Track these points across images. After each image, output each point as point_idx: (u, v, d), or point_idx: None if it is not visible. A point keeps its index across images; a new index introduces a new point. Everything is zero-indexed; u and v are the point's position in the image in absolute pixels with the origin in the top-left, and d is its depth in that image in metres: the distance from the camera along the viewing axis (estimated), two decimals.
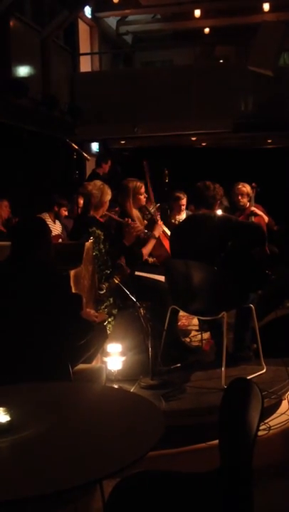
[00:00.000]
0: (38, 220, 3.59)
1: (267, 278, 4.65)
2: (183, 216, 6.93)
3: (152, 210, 5.33)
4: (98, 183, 4.83)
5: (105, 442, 2.03)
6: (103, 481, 2.31)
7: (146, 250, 4.98)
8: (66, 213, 7.35)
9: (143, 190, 5.15)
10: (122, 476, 2.14)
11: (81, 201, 6.30)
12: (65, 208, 7.26)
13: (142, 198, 5.15)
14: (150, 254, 5.21)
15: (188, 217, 5.05)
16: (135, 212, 5.10)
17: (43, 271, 3.13)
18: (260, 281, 4.64)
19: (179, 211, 6.95)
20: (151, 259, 5.33)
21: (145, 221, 5.29)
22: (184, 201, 6.98)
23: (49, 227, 3.42)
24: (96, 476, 1.82)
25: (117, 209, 6.07)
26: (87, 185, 4.80)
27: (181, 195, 6.97)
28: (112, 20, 13.30)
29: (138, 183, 5.11)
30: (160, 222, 5.21)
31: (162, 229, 5.24)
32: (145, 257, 5.02)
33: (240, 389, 2.19)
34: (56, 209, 7.18)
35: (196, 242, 4.42)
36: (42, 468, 1.86)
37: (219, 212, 4.69)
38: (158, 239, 5.23)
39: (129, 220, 4.81)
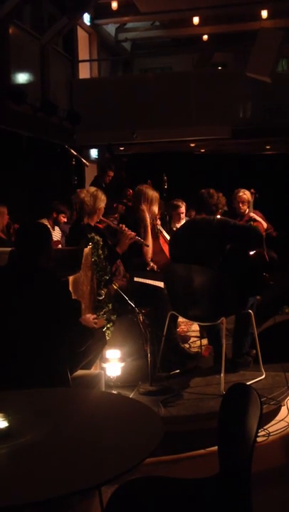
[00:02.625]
0: (41, 226, 3.59)
1: (265, 281, 4.65)
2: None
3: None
4: (92, 189, 4.81)
5: (104, 448, 2.03)
6: (102, 487, 2.30)
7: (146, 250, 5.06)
8: (65, 220, 7.35)
9: (157, 202, 5.29)
10: (121, 482, 2.14)
11: None
12: (64, 215, 7.26)
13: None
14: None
15: (187, 222, 5.08)
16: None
17: (45, 277, 3.13)
18: (258, 285, 4.64)
19: (179, 219, 6.96)
20: (151, 264, 5.34)
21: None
22: (182, 209, 6.99)
23: (51, 233, 3.43)
24: (94, 482, 1.81)
25: (116, 215, 6.10)
26: (79, 193, 4.75)
27: (180, 203, 6.98)
28: (111, 28, 13.37)
29: (156, 194, 5.21)
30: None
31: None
32: (148, 255, 5.06)
33: (238, 395, 2.18)
34: (55, 215, 7.19)
35: (196, 246, 4.43)
36: (40, 474, 1.85)
37: (218, 216, 4.70)
38: (158, 244, 5.25)
39: (124, 226, 4.80)
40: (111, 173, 8.10)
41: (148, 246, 5.04)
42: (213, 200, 4.57)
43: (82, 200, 4.65)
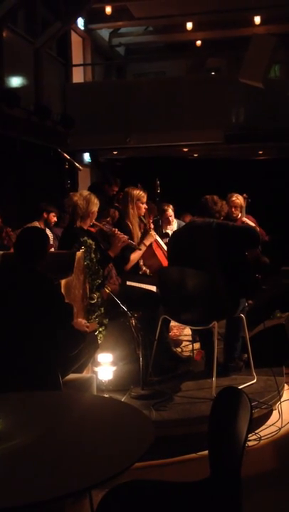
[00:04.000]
0: (42, 232, 3.65)
1: (257, 282, 4.68)
2: (174, 226, 6.96)
3: (146, 221, 5.40)
4: (84, 192, 4.81)
5: (94, 451, 2.03)
6: (92, 490, 2.30)
7: (134, 256, 5.03)
8: (55, 219, 7.35)
9: (145, 200, 5.26)
10: (111, 486, 2.14)
11: None
12: (53, 214, 7.27)
13: (143, 207, 5.23)
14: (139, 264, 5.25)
15: (187, 224, 5.09)
16: (136, 220, 5.17)
17: (39, 281, 3.15)
18: (250, 285, 4.66)
19: (168, 222, 6.99)
20: (143, 269, 5.35)
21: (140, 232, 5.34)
22: (169, 212, 7.02)
23: (49, 239, 3.47)
24: (84, 485, 1.81)
25: (108, 219, 6.10)
26: (72, 196, 4.75)
27: (165, 207, 7.01)
28: (104, 32, 13.38)
29: (141, 192, 5.19)
30: (152, 232, 5.25)
31: (154, 239, 5.27)
32: (131, 263, 5.05)
33: (229, 398, 2.19)
34: (45, 216, 7.20)
35: (194, 248, 4.45)
36: (30, 477, 1.86)
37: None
38: (151, 249, 5.26)
39: (116, 230, 4.81)
40: (116, 188, 8.12)
41: (140, 249, 5.06)
42: (217, 207, 4.62)
43: (75, 203, 4.65)
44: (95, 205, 4.71)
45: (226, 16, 11.66)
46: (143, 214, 5.32)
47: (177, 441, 3.77)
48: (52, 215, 7.23)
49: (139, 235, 5.16)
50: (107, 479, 1.80)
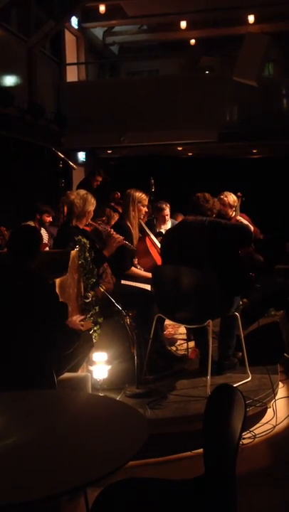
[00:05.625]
0: (34, 230, 3.64)
1: (251, 280, 4.69)
2: (168, 225, 6.96)
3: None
4: (81, 192, 4.80)
5: (89, 450, 2.03)
6: (87, 488, 2.31)
7: (135, 270, 5.07)
8: (49, 219, 7.34)
9: (146, 203, 5.26)
10: (106, 484, 2.15)
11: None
12: (47, 214, 7.26)
13: (143, 210, 5.23)
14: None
15: (180, 223, 5.10)
16: (136, 222, 5.17)
17: (33, 280, 3.15)
18: (244, 284, 4.67)
19: (164, 221, 6.99)
20: (138, 267, 5.36)
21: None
22: (167, 211, 7.02)
23: (42, 237, 3.46)
24: (79, 484, 1.82)
25: (104, 218, 6.10)
26: (69, 195, 4.74)
27: (164, 206, 7.01)
28: (98, 31, 13.37)
29: (143, 195, 5.19)
30: (149, 237, 5.28)
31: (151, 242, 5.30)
32: (131, 271, 5.06)
33: (223, 396, 2.20)
34: (38, 216, 7.19)
35: (187, 246, 4.46)
36: (25, 475, 1.86)
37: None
38: (145, 247, 5.26)
39: (112, 230, 4.81)
40: (99, 178, 8.11)
41: (135, 250, 5.07)
42: (208, 205, 4.62)
43: (72, 202, 4.64)
44: (92, 204, 4.71)
45: (220, 15, 11.69)
46: (142, 217, 5.34)
47: (172, 439, 3.78)
48: (45, 215, 7.22)
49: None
50: (102, 477, 1.80)
